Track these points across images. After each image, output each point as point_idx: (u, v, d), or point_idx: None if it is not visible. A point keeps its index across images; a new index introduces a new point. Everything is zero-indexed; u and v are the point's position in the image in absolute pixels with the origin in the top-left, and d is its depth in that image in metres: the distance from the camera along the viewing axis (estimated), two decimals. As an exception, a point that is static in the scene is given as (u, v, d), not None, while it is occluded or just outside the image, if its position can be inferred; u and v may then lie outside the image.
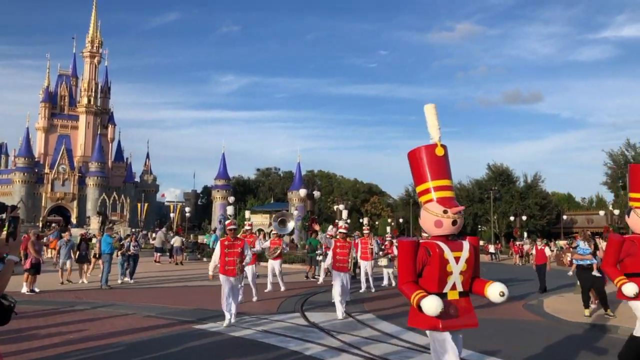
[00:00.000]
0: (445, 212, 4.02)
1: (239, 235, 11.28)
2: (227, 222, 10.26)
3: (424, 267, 4.05)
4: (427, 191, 4.22)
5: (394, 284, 17.71)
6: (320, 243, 19.87)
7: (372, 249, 16.26)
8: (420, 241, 4.11)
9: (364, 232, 16.53)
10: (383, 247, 18.65)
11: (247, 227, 13.79)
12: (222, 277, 9.62)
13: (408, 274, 4.06)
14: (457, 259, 4.04)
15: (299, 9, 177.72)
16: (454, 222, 4.02)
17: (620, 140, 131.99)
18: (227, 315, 9.49)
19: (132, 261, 17.89)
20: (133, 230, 37.45)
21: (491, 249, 44.68)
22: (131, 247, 17.92)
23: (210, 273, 10.03)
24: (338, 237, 11.81)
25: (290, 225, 14.22)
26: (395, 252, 20.74)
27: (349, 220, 15.88)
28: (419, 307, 3.82)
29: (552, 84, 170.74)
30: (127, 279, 17.51)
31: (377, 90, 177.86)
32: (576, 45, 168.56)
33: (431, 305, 3.73)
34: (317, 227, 13.94)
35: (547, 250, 18.23)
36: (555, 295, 15.22)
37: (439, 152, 4.31)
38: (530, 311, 12.37)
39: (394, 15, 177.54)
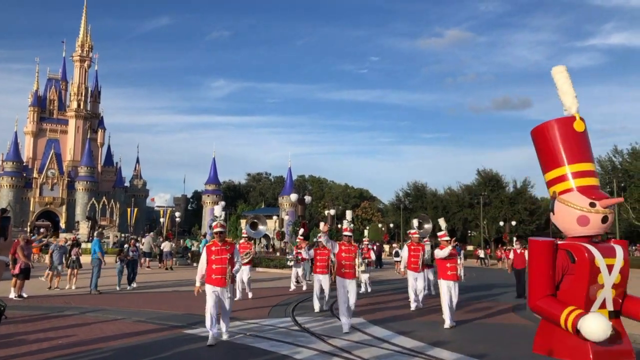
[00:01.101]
0: (592, 205, 3.10)
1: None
2: (213, 224, 8.85)
3: (563, 277, 3.12)
4: (562, 178, 3.28)
5: (369, 289, 17.18)
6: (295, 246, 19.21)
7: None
8: (559, 242, 3.19)
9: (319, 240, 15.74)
10: (361, 251, 18.26)
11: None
12: (207, 287, 8.41)
13: (545, 285, 3.08)
14: (609, 268, 3.08)
15: (289, 15, 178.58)
16: (604, 219, 3.10)
17: (608, 147, 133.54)
18: (211, 333, 8.27)
19: (131, 267, 17.45)
20: (133, 235, 37.12)
21: (481, 254, 44.97)
22: (130, 253, 17.49)
23: (198, 284, 8.51)
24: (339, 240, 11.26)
25: (263, 228, 12.56)
26: (373, 256, 20.08)
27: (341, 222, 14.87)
28: (576, 330, 2.86)
29: (541, 91, 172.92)
30: (128, 285, 17.01)
31: (368, 96, 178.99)
32: (565, 52, 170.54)
33: (598, 326, 2.77)
34: (325, 228, 13.50)
35: (526, 255, 16.96)
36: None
37: (579, 126, 3.32)
38: (520, 315, 12.44)
39: (385, 21, 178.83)
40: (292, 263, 18.30)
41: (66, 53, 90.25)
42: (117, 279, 16.83)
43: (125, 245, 18.17)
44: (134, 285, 17.22)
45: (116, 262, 17.58)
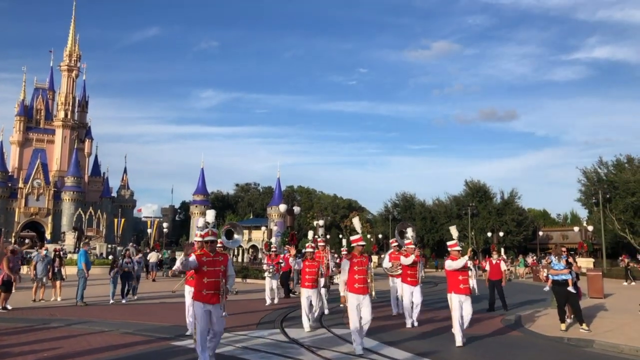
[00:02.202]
0: None
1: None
2: (203, 231, 7.97)
3: None
4: None
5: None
6: (269, 254, 17.78)
7: (327, 263, 13.67)
8: None
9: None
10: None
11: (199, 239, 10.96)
12: (197, 305, 7.34)
13: None
14: None
15: (276, 27, 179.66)
16: None
17: (593, 158, 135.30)
18: (202, 358, 7.25)
19: (126, 279, 16.84)
20: (134, 246, 36.45)
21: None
22: (124, 264, 16.87)
23: (176, 288, 7.68)
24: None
25: (239, 237, 10.43)
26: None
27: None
28: None
29: (527, 103, 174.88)
30: (122, 298, 16.45)
31: (356, 108, 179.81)
32: (550, 65, 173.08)
33: None
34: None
35: (502, 265, 16.37)
36: (532, 310, 15.40)
37: None
38: (507, 326, 12.48)
39: (372, 34, 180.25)
40: (270, 275, 16.89)
41: (54, 62, 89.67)
42: (110, 291, 16.42)
43: (110, 257, 17.82)
44: (131, 297, 16.90)
45: (109, 273, 16.98)
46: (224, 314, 7.44)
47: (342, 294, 8.91)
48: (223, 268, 7.52)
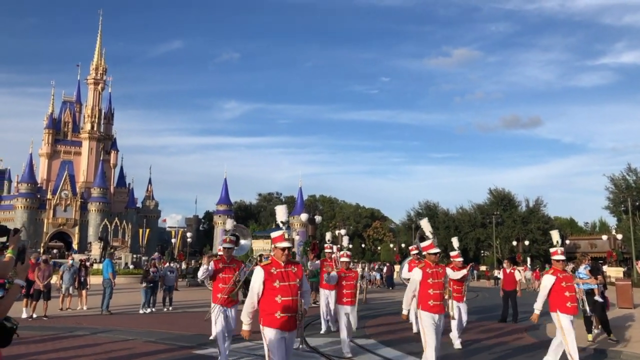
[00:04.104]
0: None
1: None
2: (276, 234, 5.47)
3: None
4: None
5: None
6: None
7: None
8: None
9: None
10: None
11: (228, 245, 8.40)
12: (269, 332, 5.27)
13: None
14: None
15: (297, 37, 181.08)
16: None
17: (621, 165, 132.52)
18: None
19: (151, 289, 16.98)
20: (159, 255, 36.75)
21: (497, 274, 44.63)
22: (151, 274, 17.02)
23: (247, 327, 5.48)
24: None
25: (246, 242, 8.37)
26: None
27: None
28: None
29: (552, 110, 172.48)
30: (149, 309, 16.51)
31: (378, 116, 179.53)
32: (575, 71, 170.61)
33: None
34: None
35: (516, 274, 15.70)
36: (558, 320, 15.07)
37: None
38: (532, 336, 12.25)
39: (394, 43, 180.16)
40: None
41: (81, 76, 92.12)
42: (142, 301, 16.54)
43: (131, 266, 18.13)
44: (153, 309, 17.04)
45: (141, 283, 17.27)
46: (301, 346, 5.53)
47: (404, 311, 7.34)
48: (299, 282, 5.42)
